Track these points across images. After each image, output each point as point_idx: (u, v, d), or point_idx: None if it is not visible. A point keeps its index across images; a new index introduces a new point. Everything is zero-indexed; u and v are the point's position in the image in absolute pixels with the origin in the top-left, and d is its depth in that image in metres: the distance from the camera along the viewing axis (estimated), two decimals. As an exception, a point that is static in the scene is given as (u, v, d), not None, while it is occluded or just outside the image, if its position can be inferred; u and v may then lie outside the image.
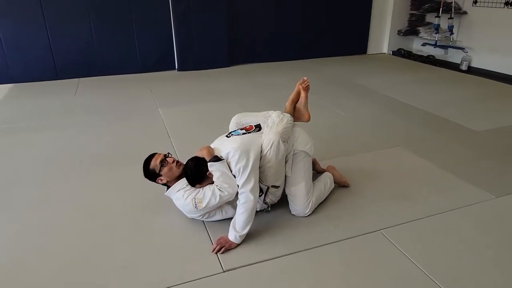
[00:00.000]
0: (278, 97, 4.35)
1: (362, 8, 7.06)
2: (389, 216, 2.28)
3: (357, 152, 3.18)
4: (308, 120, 2.51)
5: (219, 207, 2.14)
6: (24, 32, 5.39)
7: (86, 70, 5.83)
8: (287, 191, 2.29)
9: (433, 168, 2.90)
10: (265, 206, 2.28)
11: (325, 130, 3.60)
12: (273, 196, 2.27)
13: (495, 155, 3.12)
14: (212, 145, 2.22)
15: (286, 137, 2.17)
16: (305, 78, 2.53)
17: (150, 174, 2.17)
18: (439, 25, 6.48)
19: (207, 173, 2.07)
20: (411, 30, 7.17)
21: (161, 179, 2.16)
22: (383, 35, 7.44)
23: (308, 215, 2.26)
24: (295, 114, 2.48)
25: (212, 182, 2.08)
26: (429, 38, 6.75)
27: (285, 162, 2.21)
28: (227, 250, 1.98)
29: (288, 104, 2.50)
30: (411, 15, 7.23)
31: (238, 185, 2.03)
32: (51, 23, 5.48)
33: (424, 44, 6.95)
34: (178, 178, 2.17)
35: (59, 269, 1.90)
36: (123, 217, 2.32)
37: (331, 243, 2.05)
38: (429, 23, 6.89)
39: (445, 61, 6.67)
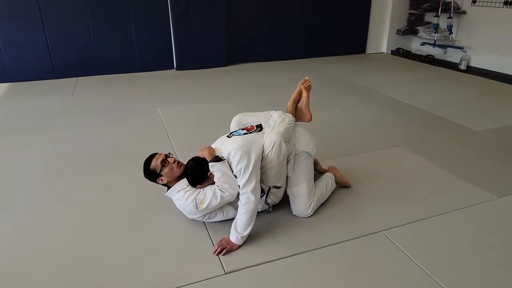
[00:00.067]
0: (277, 96, 4.36)
1: (361, 8, 7.05)
2: (391, 217, 2.27)
3: (357, 152, 3.17)
4: (310, 120, 2.50)
5: (220, 208, 2.13)
6: (21, 32, 5.35)
7: (84, 70, 5.79)
8: (288, 192, 2.28)
9: (433, 168, 2.89)
10: (266, 207, 2.27)
11: (324, 130, 3.58)
12: (275, 197, 2.26)
13: (495, 155, 3.12)
14: (213, 145, 2.21)
15: (288, 137, 2.15)
16: (306, 78, 2.52)
17: (151, 174, 2.15)
18: (438, 24, 6.48)
19: (208, 174, 2.05)
20: (410, 30, 7.17)
21: (161, 180, 2.14)
22: (382, 35, 7.44)
23: (309, 216, 2.25)
24: (297, 114, 2.46)
25: (213, 183, 2.06)
26: (428, 37, 6.75)
27: (287, 163, 2.20)
28: (228, 251, 1.97)
29: (289, 104, 2.48)
30: (410, 14, 7.23)
31: (239, 186, 2.01)
32: (49, 23, 5.44)
33: (423, 44, 6.95)
34: (179, 178, 2.15)
35: (59, 269, 1.89)
36: (123, 217, 2.31)
37: (334, 244, 2.04)
38: (428, 23, 6.90)
39: (444, 60, 6.68)
